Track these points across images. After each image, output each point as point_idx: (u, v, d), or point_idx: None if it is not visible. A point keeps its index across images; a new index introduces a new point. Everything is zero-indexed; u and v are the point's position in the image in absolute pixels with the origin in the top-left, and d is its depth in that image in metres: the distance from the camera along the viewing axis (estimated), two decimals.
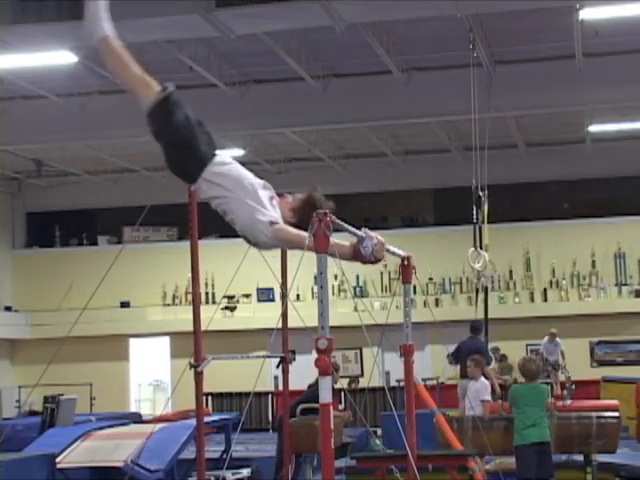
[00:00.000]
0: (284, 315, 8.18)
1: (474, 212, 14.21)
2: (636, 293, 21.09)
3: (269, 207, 4.92)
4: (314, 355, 4.81)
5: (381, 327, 7.55)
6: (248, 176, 5.13)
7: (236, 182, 5.03)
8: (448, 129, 19.27)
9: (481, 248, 14.19)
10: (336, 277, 20.75)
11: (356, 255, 4.95)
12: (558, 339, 18.38)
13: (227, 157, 5.18)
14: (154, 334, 22.31)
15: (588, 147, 20.58)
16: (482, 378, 11.96)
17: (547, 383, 17.91)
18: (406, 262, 7.41)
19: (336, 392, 15.65)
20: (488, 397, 11.73)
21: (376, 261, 4.99)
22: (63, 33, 12.63)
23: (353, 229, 5.13)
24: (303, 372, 11.27)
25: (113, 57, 5.17)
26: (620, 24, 13.86)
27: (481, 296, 15.86)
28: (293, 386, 10.72)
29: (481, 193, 14.23)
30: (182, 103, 4.96)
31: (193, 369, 6.95)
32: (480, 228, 14.15)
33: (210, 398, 19.39)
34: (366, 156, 21.53)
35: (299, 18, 12.39)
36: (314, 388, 11.06)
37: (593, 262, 21.37)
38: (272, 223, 4.82)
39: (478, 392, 11.74)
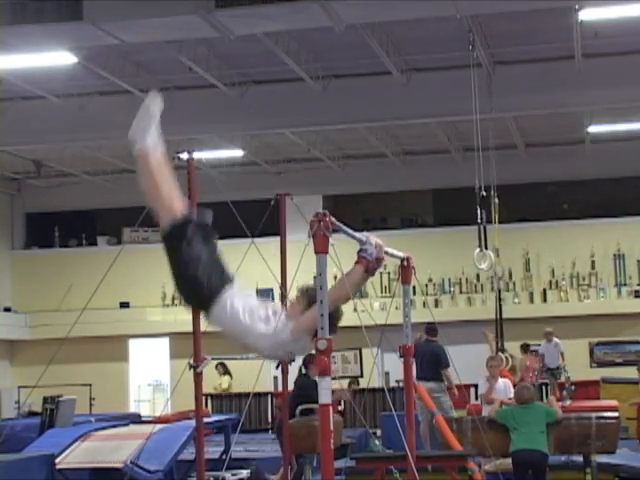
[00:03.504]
0: None
1: (478, 212, 14.21)
2: (635, 294, 21.09)
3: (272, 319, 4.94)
4: None
5: (381, 328, 7.56)
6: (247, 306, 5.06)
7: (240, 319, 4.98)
8: (448, 130, 19.28)
9: (486, 248, 14.18)
10: (335, 278, 20.72)
11: (367, 268, 5.03)
12: (557, 339, 18.36)
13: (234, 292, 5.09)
14: (153, 335, 22.30)
15: (587, 148, 20.59)
16: (500, 379, 12.15)
17: (546, 385, 17.96)
18: (405, 263, 7.41)
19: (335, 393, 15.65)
20: (511, 395, 11.81)
21: (378, 265, 5.07)
22: (63, 34, 12.64)
23: (353, 232, 5.16)
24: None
25: (146, 172, 5.01)
26: (620, 25, 13.86)
27: (487, 295, 15.86)
28: (292, 386, 10.74)
29: (484, 193, 14.22)
30: (198, 235, 4.93)
31: (192, 369, 6.95)
32: (485, 228, 14.14)
33: (209, 399, 19.38)
34: (366, 157, 21.54)
35: (298, 19, 12.38)
36: (305, 386, 11.07)
37: (592, 263, 21.37)
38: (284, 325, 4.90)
39: (501, 392, 11.97)
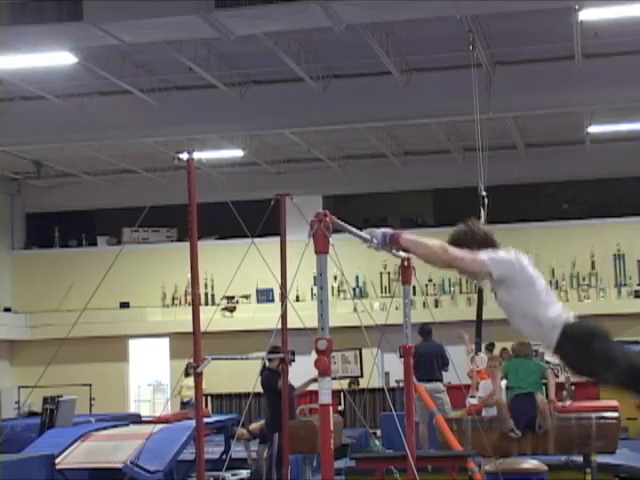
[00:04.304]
0: (284, 316, 8.18)
1: (482, 213, 14.21)
2: (635, 294, 21.08)
3: None
4: (314, 356, 4.82)
5: (381, 328, 7.57)
6: None
7: None
8: (448, 130, 19.28)
9: None
10: (336, 278, 20.75)
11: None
12: None
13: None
14: (153, 335, 22.30)
15: (587, 148, 20.59)
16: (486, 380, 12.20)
17: (544, 384, 17.92)
18: (406, 263, 7.43)
19: (335, 393, 15.67)
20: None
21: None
22: (63, 34, 12.64)
23: (357, 231, 5.16)
24: (303, 373, 11.28)
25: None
26: (620, 25, 13.87)
27: (487, 295, 15.82)
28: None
29: (484, 193, 14.23)
30: None
31: (192, 370, 6.94)
32: None
33: (210, 399, 19.38)
34: (366, 157, 21.53)
35: (298, 19, 12.38)
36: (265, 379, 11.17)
37: (592, 263, 21.37)
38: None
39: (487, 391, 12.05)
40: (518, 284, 4.98)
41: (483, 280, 5.07)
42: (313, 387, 11.33)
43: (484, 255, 4.94)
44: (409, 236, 4.93)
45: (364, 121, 17.33)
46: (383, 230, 4.99)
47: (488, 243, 5.07)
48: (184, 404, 18.45)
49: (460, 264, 4.89)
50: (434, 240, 4.92)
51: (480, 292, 15.36)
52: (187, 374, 18.86)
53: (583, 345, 4.87)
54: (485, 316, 15.23)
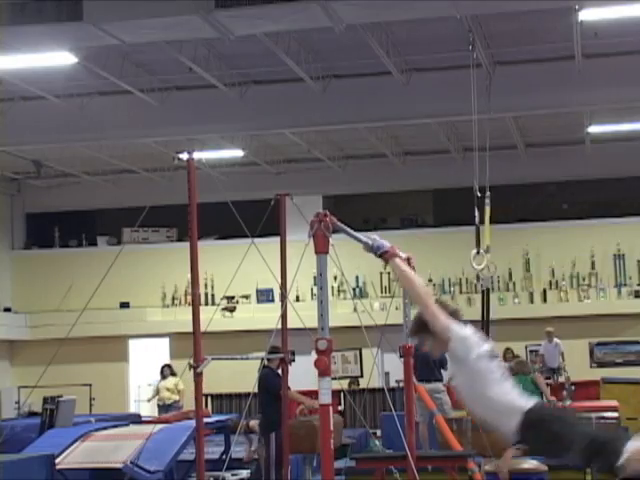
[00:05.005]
0: (284, 316, 8.18)
1: (476, 213, 14.21)
2: (635, 294, 21.08)
3: None
4: (314, 356, 4.82)
5: (381, 328, 7.57)
6: None
7: None
8: (448, 130, 19.28)
9: (481, 249, 14.15)
10: (336, 278, 20.74)
11: (398, 256, 5.02)
12: (557, 339, 18.35)
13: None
14: (153, 335, 22.30)
15: (587, 148, 20.59)
16: None
17: (549, 385, 17.95)
18: (406, 263, 7.41)
19: (335, 393, 15.67)
20: None
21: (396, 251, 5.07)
22: (63, 34, 12.65)
23: (360, 235, 5.16)
24: (303, 373, 11.29)
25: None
26: (619, 25, 13.87)
27: (480, 297, 15.81)
28: (293, 387, 10.74)
29: (479, 194, 14.23)
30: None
31: (192, 370, 6.94)
32: (478, 229, 14.14)
33: (210, 399, 19.37)
34: (365, 157, 21.54)
35: (298, 19, 12.39)
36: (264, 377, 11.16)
37: (592, 263, 21.37)
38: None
39: None
40: (472, 369, 4.78)
41: (440, 351, 4.93)
42: (313, 387, 11.33)
43: (453, 323, 4.86)
44: (401, 264, 4.97)
45: (364, 121, 17.34)
46: (381, 242, 5.01)
47: (456, 317, 4.99)
48: (163, 407, 18.28)
49: (430, 314, 4.83)
50: (421, 282, 4.96)
51: (486, 293, 15.34)
52: (164, 376, 18.83)
53: (544, 430, 4.73)
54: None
